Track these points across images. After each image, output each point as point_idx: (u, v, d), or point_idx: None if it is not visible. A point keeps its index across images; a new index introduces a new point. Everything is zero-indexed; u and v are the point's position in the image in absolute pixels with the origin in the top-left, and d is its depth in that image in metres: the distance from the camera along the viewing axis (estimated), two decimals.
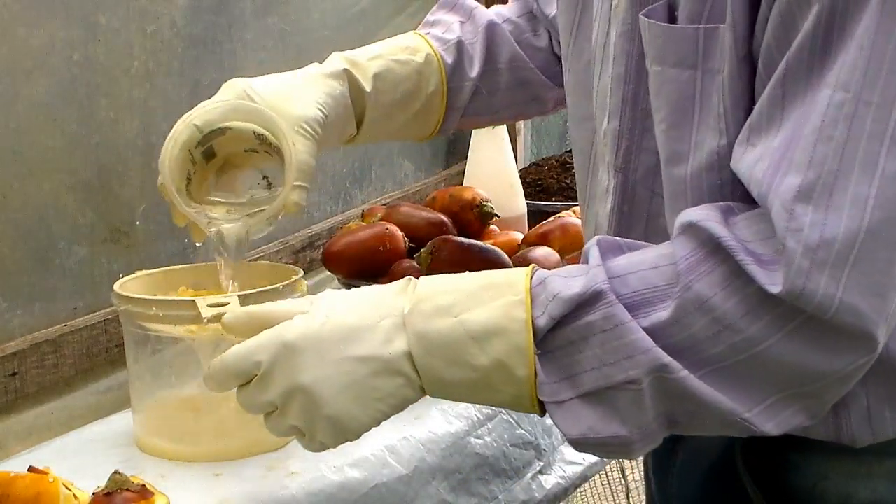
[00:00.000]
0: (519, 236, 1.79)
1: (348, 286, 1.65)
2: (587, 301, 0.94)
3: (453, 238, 1.64)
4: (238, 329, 1.05)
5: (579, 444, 0.97)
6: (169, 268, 1.45)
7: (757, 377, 0.91)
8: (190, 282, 1.42)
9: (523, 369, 0.96)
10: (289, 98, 1.31)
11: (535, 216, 1.94)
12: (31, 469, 1.12)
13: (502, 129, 2.04)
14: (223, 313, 1.26)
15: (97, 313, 1.54)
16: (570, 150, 2.41)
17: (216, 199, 1.35)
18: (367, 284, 1.60)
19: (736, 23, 0.95)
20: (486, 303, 0.98)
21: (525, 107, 1.51)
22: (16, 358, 1.44)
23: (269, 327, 1.02)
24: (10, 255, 1.44)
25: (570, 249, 1.75)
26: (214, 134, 1.30)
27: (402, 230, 1.67)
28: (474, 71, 1.44)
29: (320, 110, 1.31)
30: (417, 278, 1.03)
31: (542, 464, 1.50)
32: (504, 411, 1.45)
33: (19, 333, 1.46)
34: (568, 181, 2.24)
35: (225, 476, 1.25)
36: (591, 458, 1.58)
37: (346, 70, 1.36)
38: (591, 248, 0.97)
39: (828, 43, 0.88)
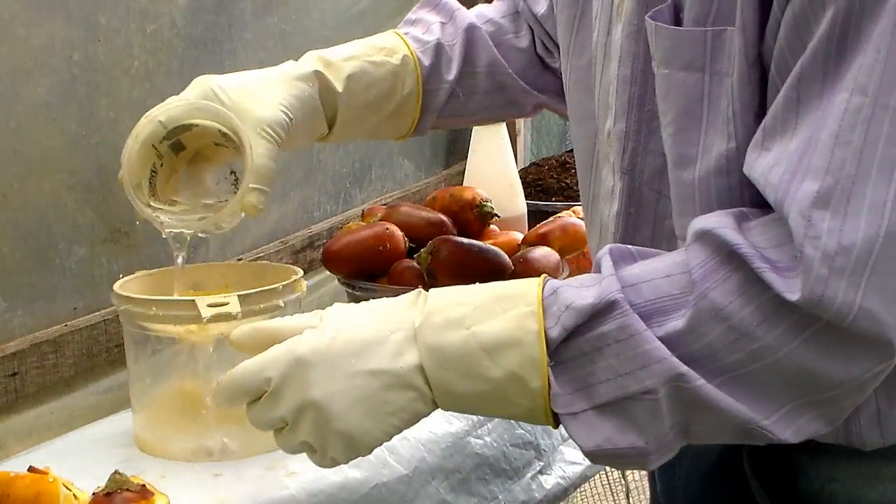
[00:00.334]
0: (519, 236, 1.79)
1: (348, 286, 1.65)
2: (601, 311, 0.93)
3: (453, 238, 1.64)
4: (246, 345, 1.04)
5: (595, 456, 0.96)
6: (169, 268, 1.45)
7: (774, 385, 0.90)
8: (190, 282, 1.42)
9: (537, 381, 0.95)
10: (253, 99, 1.31)
11: (535, 216, 1.94)
12: (31, 469, 1.12)
13: (502, 129, 2.04)
14: (223, 313, 1.26)
15: (97, 313, 1.54)
16: (570, 150, 2.41)
17: (178, 199, 1.36)
18: (367, 284, 1.62)
19: (746, 26, 0.94)
20: (498, 314, 0.96)
21: (502, 110, 1.51)
22: (16, 358, 1.44)
23: (277, 342, 1.01)
24: (10, 255, 1.44)
25: (570, 249, 1.75)
26: (179, 130, 1.31)
27: (402, 230, 1.67)
28: (451, 74, 1.44)
29: (284, 113, 1.31)
30: (427, 290, 1.02)
31: (542, 464, 1.51)
32: None
33: (19, 333, 1.46)
34: (568, 181, 2.24)
35: (225, 476, 1.25)
36: None
37: (316, 72, 1.36)
38: (603, 256, 0.96)
39: (843, 46, 0.87)
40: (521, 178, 2.06)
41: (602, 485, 3.06)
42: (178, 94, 1.35)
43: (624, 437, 0.94)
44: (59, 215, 1.50)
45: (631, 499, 3.01)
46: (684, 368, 0.90)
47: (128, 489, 1.11)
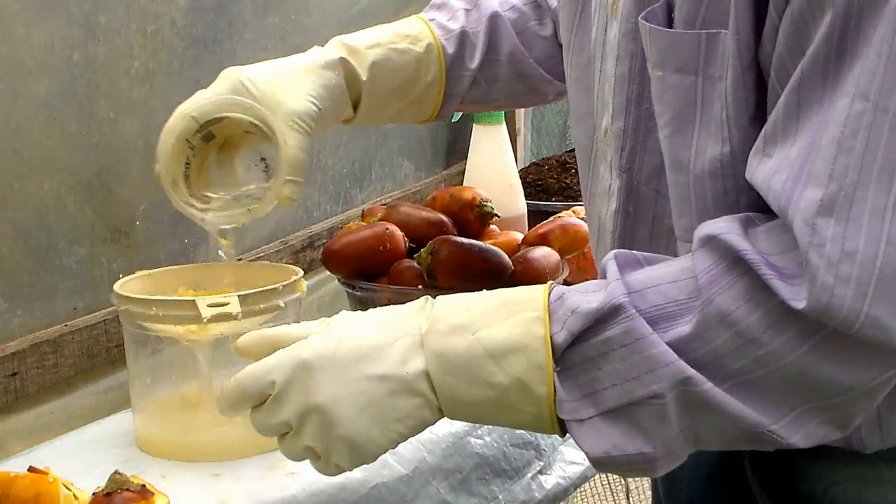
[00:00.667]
0: (519, 236, 1.78)
1: (348, 286, 1.65)
2: (606, 316, 0.92)
3: (453, 238, 1.64)
4: (252, 351, 1.02)
5: (602, 464, 0.95)
6: (169, 268, 1.45)
7: (781, 390, 0.89)
8: (190, 282, 1.42)
9: (542, 387, 0.94)
10: (282, 90, 1.33)
11: (535, 216, 1.94)
12: (31, 469, 1.12)
13: (502, 129, 2.04)
14: (223, 313, 1.26)
15: (97, 313, 1.54)
16: (571, 150, 2.41)
17: (211, 194, 1.38)
18: (367, 284, 1.62)
19: (740, 30, 0.94)
20: (504, 320, 0.96)
21: (523, 97, 1.53)
22: (16, 358, 1.44)
23: (283, 348, 1.00)
24: (10, 255, 1.44)
25: (570, 249, 1.75)
26: (211, 123, 1.33)
27: (402, 230, 1.67)
28: (475, 62, 1.45)
29: (313, 104, 1.33)
30: (427, 290, 1.01)
31: (542, 464, 1.51)
32: None
33: (19, 333, 1.46)
34: (568, 181, 2.23)
35: (225, 476, 1.25)
36: None
37: (342, 59, 1.37)
38: (609, 262, 0.95)
39: (843, 50, 0.87)
40: (521, 178, 2.06)
41: (602, 485, 3.06)
42: (177, 95, 1.35)
43: (631, 443, 0.93)
44: (59, 215, 1.50)
45: (631, 499, 3.01)
46: (692, 372, 0.89)
47: (128, 489, 1.11)
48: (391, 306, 1.02)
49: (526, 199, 2.01)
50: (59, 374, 1.49)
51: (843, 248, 0.85)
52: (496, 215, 1.79)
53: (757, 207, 0.93)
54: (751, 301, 0.88)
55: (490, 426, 1.44)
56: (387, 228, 1.66)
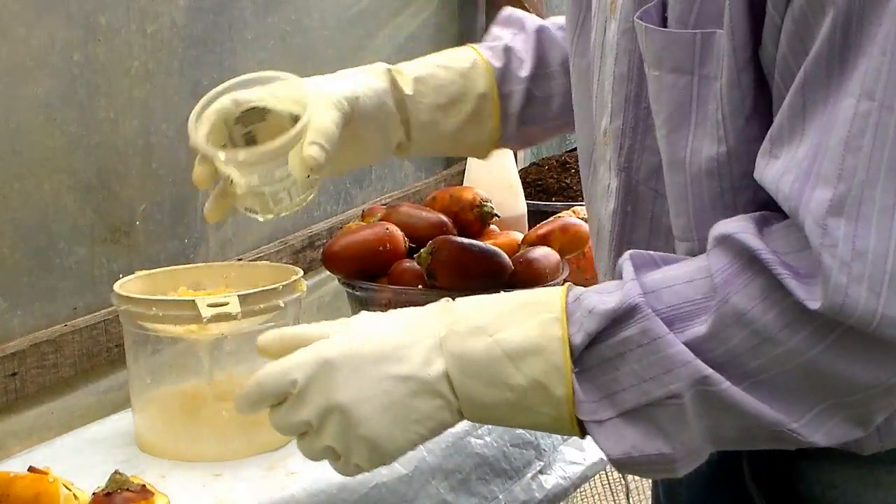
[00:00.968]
0: (519, 236, 1.78)
1: (348, 286, 1.65)
2: (622, 316, 0.92)
3: (453, 238, 1.64)
4: (271, 349, 1.01)
5: (622, 465, 0.95)
6: (169, 268, 1.45)
7: (800, 388, 0.89)
8: (190, 282, 1.42)
9: (561, 388, 0.94)
10: (325, 82, 1.32)
11: (535, 216, 1.93)
12: (31, 469, 1.12)
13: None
14: (223, 313, 1.26)
15: (97, 313, 1.54)
16: (571, 150, 2.41)
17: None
18: (367, 284, 1.62)
19: (735, 30, 0.94)
20: (522, 322, 0.96)
21: None
22: (16, 358, 1.44)
23: (303, 348, 0.99)
24: (10, 255, 1.44)
25: (570, 249, 1.75)
26: (252, 116, 1.28)
27: (402, 230, 1.67)
28: (524, 72, 1.43)
29: (353, 91, 1.32)
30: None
31: (542, 464, 1.51)
32: None
33: (19, 333, 1.46)
34: (568, 181, 2.24)
35: (225, 476, 1.25)
36: (591, 458, 1.58)
37: (387, 70, 1.38)
38: (625, 262, 0.95)
39: (846, 49, 0.87)
40: (521, 178, 2.06)
41: (602, 485, 3.06)
42: (177, 95, 1.35)
43: (651, 443, 0.92)
44: (59, 215, 1.50)
45: (631, 499, 3.01)
46: (709, 371, 0.89)
47: (128, 489, 1.11)
48: (413, 308, 1.01)
49: (526, 199, 2.01)
50: (59, 374, 1.49)
51: (854, 247, 0.85)
52: (496, 215, 1.79)
53: (754, 207, 0.93)
54: (766, 300, 0.88)
55: (491, 426, 1.44)
56: (387, 228, 1.66)
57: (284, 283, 1.32)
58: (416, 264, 1.61)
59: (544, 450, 1.51)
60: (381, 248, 1.64)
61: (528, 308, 0.96)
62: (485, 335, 0.96)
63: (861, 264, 0.85)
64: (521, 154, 2.47)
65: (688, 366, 0.90)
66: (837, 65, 0.87)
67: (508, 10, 1.50)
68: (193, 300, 1.27)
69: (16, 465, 1.20)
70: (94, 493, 1.12)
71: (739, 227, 0.90)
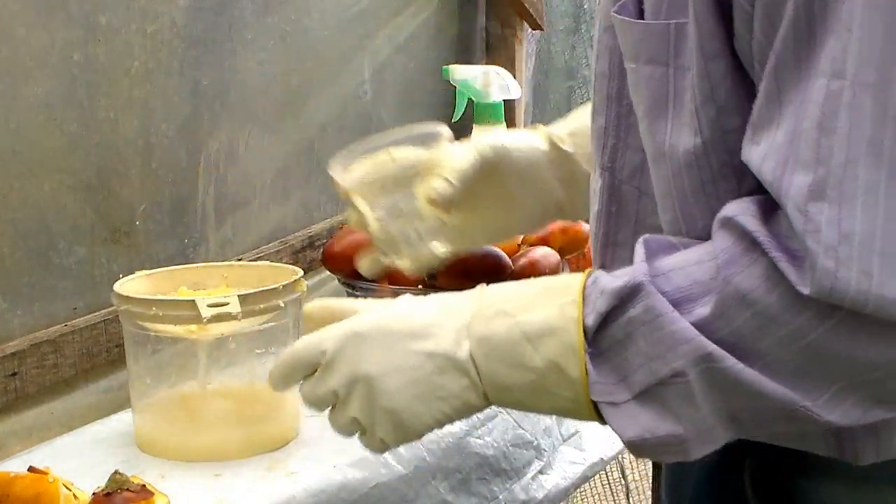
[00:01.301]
0: (519, 236, 1.78)
1: (348, 286, 1.65)
2: (628, 295, 0.92)
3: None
4: (315, 316, 1.05)
5: (637, 448, 0.95)
6: (169, 268, 1.45)
7: (813, 369, 0.88)
8: (190, 282, 1.42)
9: (576, 369, 0.94)
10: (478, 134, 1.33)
11: None
12: (31, 469, 1.12)
13: (502, 130, 2.03)
14: (223, 313, 1.26)
15: (97, 313, 1.54)
16: None
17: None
18: (367, 284, 1.62)
19: (699, 20, 0.93)
20: (543, 304, 0.97)
21: None
22: (16, 358, 1.44)
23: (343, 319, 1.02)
24: (10, 255, 1.44)
25: (570, 249, 1.75)
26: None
27: None
28: None
29: (500, 140, 1.30)
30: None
31: (542, 464, 1.50)
32: (505, 410, 1.45)
33: (19, 333, 1.46)
34: None
35: (225, 476, 1.25)
36: (591, 458, 1.58)
37: (542, 129, 1.35)
38: (638, 245, 0.95)
39: (812, 28, 0.86)
40: None
41: (602, 485, 3.06)
42: (177, 95, 1.35)
43: (662, 425, 0.92)
44: (59, 215, 1.50)
45: (631, 499, 3.01)
46: (712, 347, 0.88)
47: (128, 489, 1.11)
48: (451, 293, 1.03)
49: None
50: (59, 374, 1.49)
51: (840, 230, 0.83)
52: None
53: (736, 196, 0.92)
54: (768, 282, 0.87)
55: (491, 426, 1.44)
56: None
57: (284, 283, 1.32)
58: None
59: (544, 450, 1.51)
60: None
61: (550, 292, 0.97)
62: (507, 318, 0.97)
63: (848, 247, 0.83)
64: None
65: (690, 342, 0.89)
66: (805, 45, 0.86)
67: None
68: (193, 300, 1.27)
69: (16, 465, 1.20)
70: (94, 493, 1.12)
71: (742, 209, 0.90)
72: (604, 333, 0.94)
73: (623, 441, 0.95)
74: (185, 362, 1.33)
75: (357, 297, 1.62)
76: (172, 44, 1.64)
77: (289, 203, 1.91)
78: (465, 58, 2.33)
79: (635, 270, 0.92)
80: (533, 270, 1.62)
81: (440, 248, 1.32)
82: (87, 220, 1.54)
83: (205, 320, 1.25)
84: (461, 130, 2.24)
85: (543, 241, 1.73)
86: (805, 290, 0.85)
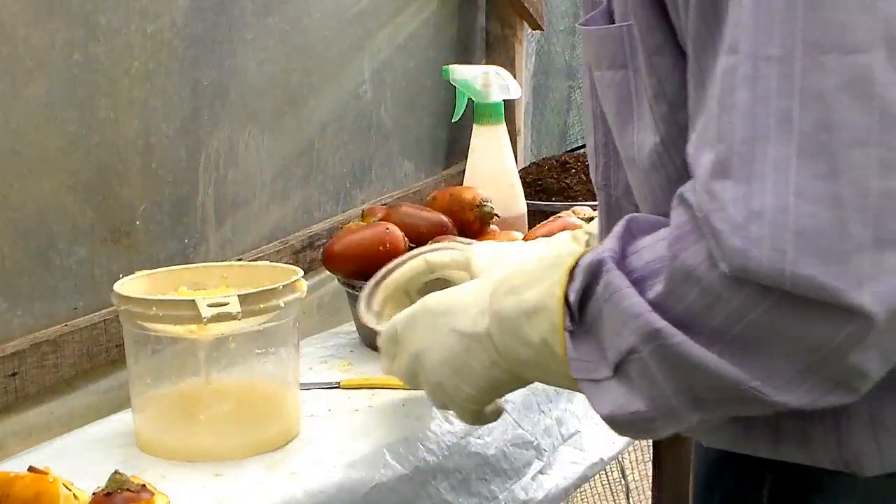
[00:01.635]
0: (519, 236, 1.78)
1: (348, 286, 1.65)
2: (594, 272, 0.92)
3: (453, 238, 1.64)
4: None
5: (611, 423, 0.96)
6: (169, 268, 1.45)
7: (763, 348, 0.85)
8: (190, 282, 1.42)
9: (559, 346, 0.97)
10: (519, 248, 1.41)
11: (535, 216, 1.93)
12: (31, 469, 1.12)
13: (502, 129, 2.03)
14: (223, 313, 1.26)
15: (97, 313, 1.54)
16: (570, 150, 2.41)
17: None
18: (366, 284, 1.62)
19: (637, 16, 0.93)
20: (542, 281, 0.99)
21: None
22: (16, 358, 1.44)
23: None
24: (10, 255, 1.44)
25: None
26: (436, 286, 1.32)
27: (402, 230, 1.67)
28: None
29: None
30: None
31: (542, 464, 1.50)
32: (504, 410, 1.44)
33: (19, 333, 1.46)
34: (568, 181, 2.23)
35: (225, 476, 1.25)
36: (591, 458, 1.58)
37: (576, 233, 1.40)
38: (619, 223, 0.94)
39: (716, 8, 0.85)
40: (521, 178, 2.06)
41: (602, 485, 3.06)
42: (177, 95, 1.35)
43: (630, 402, 0.92)
44: (59, 215, 1.50)
45: (631, 499, 3.01)
46: (661, 324, 0.87)
47: (128, 489, 1.11)
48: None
49: (526, 199, 2.01)
50: (59, 374, 1.49)
51: (748, 208, 0.81)
52: (496, 215, 1.79)
53: None
54: (711, 258, 0.84)
55: (491, 426, 1.44)
56: (387, 228, 1.66)
57: (284, 283, 1.32)
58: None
59: (544, 450, 1.51)
60: (381, 248, 1.64)
61: (550, 269, 1.00)
62: (514, 295, 1.02)
63: (759, 225, 0.80)
64: (520, 154, 2.48)
65: (639, 318, 0.88)
66: (712, 24, 0.86)
67: None
68: (193, 300, 1.27)
69: (16, 465, 1.20)
70: (94, 493, 1.12)
71: (692, 185, 0.87)
72: (586, 311, 0.95)
73: (600, 416, 0.96)
74: (186, 362, 1.33)
75: (357, 297, 1.62)
76: (172, 44, 1.64)
77: (289, 203, 1.91)
78: (465, 58, 2.33)
79: (603, 247, 0.93)
80: None
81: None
82: (87, 220, 1.54)
83: (205, 320, 1.25)
84: (461, 130, 2.26)
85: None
86: (724, 269, 0.82)
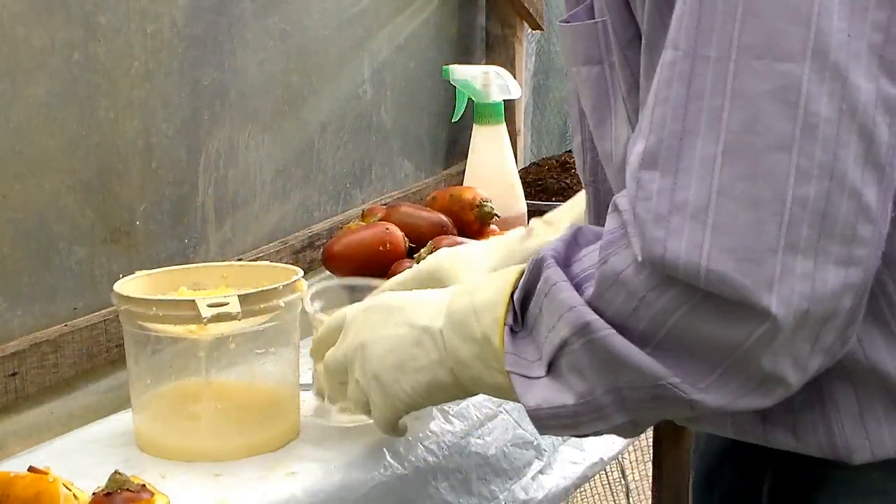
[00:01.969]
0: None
1: (348, 286, 1.65)
2: (536, 269, 0.95)
3: (453, 238, 1.64)
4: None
5: (535, 419, 0.96)
6: (169, 268, 1.45)
7: (688, 348, 0.87)
8: (190, 282, 1.42)
9: (497, 339, 0.98)
10: (464, 266, 1.35)
11: (535, 216, 1.93)
12: (31, 469, 1.12)
13: (502, 129, 2.03)
14: (223, 313, 1.26)
15: (97, 313, 1.54)
16: (570, 150, 2.41)
17: None
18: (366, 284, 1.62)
19: (610, 10, 0.95)
20: (497, 281, 1.01)
21: None
22: (16, 358, 1.44)
23: None
24: (10, 255, 1.44)
25: None
26: None
27: (402, 230, 1.67)
28: None
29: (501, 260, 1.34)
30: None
31: (542, 463, 1.50)
32: (504, 410, 1.45)
33: (19, 333, 1.46)
34: (568, 181, 2.24)
35: (225, 476, 1.25)
36: (591, 458, 1.58)
37: (533, 227, 1.37)
38: (567, 230, 0.98)
39: (668, 5, 0.87)
40: (521, 178, 2.06)
41: (602, 485, 3.06)
42: (177, 95, 1.35)
43: (556, 395, 0.94)
44: (59, 215, 1.50)
45: (631, 499, 3.01)
46: (592, 317, 0.88)
47: (128, 489, 1.11)
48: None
49: (526, 199, 2.01)
50: (59, 374, 1.49)
51: (672, 199, 0.83)
52: (496, 215, 1.79)
53: None
54: (636, 261, 0.86)
55: (491, 426, 1.44)
56: (387, 228, 1.66)
57: (284, 283, 1.32)
58: (416, 264, 1.61)
59: (544, 450, 1.51)
60: (381, 248, 1.64)
61: (509, 272, 1.01)
62: (469, 294, 1.03)
63: (680, 218, 0.83)
64: (521, 154, 2.48)
65: (572, 311, 0.90)
66: (661, 22, 0.87)
67: None
68: (193, 300, 1.26)
69: (16, 465, 1.20)
70: (94, 493, 1.12)
71: (624, 191, 0.90)
72: (528, 311, 0.97)
73: (526, 411, 0.97)
74: (186, 362, 1.33)
75: (357, 297, 1.62)
76: (172, 44, 1.64)
77: (289, 203, 1.91)
78: (465, 58, 2.33)
79: (548, 246, 0.95)
80: None
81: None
82: (87, 220, 1.54)
83: (205, 320, 1.25)
84: (461, 130, 2.26)
85: None
86: (639, 257, 0.85)
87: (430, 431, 1.37)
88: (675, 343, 0.87)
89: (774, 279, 0.82)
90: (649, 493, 2.26)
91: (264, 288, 1.31)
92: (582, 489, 2.95)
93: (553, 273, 0.93)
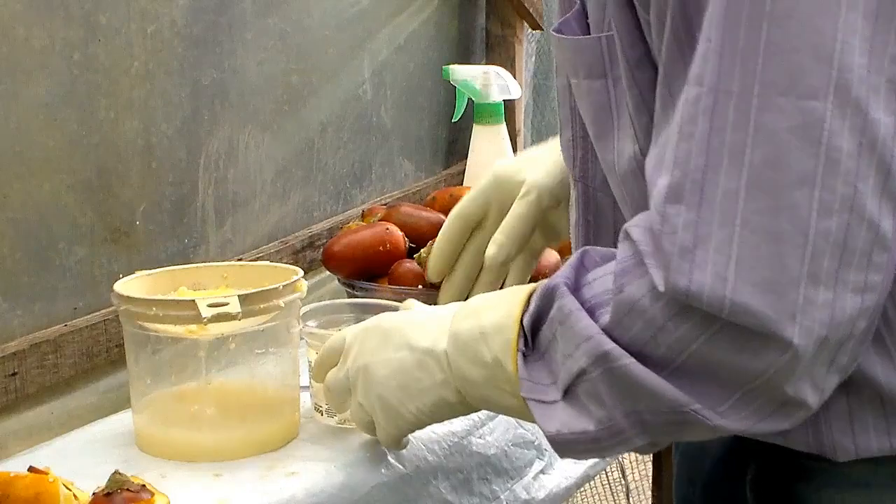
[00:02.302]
0: None
1: (348, 286, 1.65)
2: (549, 296, 0.96)
3: None
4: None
5: (555, 443, 0.97)
6: (169, 268, 1.45)
7: (705, 374, 0.89)
8: (190, 282, 1.41)
9: (511, 365, 0.98)
10: (530, 164, 1.37)
11: None
12: (31, 469, 1.12)
13: (502, 129, 2.03)
14: (223, 313, 1.26)
15: (97, 313, 1.54)
16: None
17: None
18: (367, 284, 1.62)
19: (619, 30, 0.95)
20: (503, 304, 1.01)
21: None
22: (16, 358, 1.44)
23: None
24: (10, 255, 1.44)
25: (570, 250, 1.75)
26: None
27: (402, 230, 1.66)
28: None
29: (552, 177, 1.34)
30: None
31: (543, 463, 1.50)
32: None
33: (19, 333, 1.46)
34: None
35: (225, 476, 1.25)
36: (591, 458, 1.58)
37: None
38: (575, 254, 0.98)
39: (684, 38, 0.88)
40: None
41: (602, 485, 3.06)
42: (177, 95, 1.35)
43: (576, 422, 0.95)
44: (59, 215, 1.50)
45: (631, 499, 3.01)
46: (610, 346, 0.90)
47: (128, 489, 1.11)
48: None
49: None
50: (59, 374, 1.49)
51: (696, 233, 0.84)
52: None
53: None
54: (654, 290, 0.88)
55: (492, 426, 1.44)
56: (387, 228, 1.66)
57: (284, 283, 1.32)
58: (416, 264, 1.61)
59: (546, 449, 1.51)
60: (381, 248, 1.64)
61: (514, 293, 1.02)
62: (475, 317, 1.03)
63: (704, 251, 0.84)
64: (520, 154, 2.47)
65: (590, 340, 0.91)
66: (685, 54, 0.88)
67: None
68: (193, 300, 1.26)
69: (16, 465, 1.20)
70: (94, 493, 1.12)
71: (640, 220, 0.91)
72: (540, 335, 0.98)
73: (546, 436, 0.98)
74: (186, 362, 1.33)
75: (357, 297, 1.62)
76: (172, 44, 1.64)
77: (289, 203, 1.91)
78: (465, 58, 2.33)
79: (558, 274, 0.96)
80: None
81: None
82: (87, 220, 1.53)
83: (205, 320, 1.25)
84: (461, 130, 2.25)
85: None
86: (661, 288, 0.86)
87: (431, 431, 1.37)
88: (692, 368, 0.89)
89: (797, 310, 0.84)
90: (649, 493, 2.26)
91: (264, 288, 1.31)
92: (582, 489, 2.95)
93: (567, 302, 0.94)
